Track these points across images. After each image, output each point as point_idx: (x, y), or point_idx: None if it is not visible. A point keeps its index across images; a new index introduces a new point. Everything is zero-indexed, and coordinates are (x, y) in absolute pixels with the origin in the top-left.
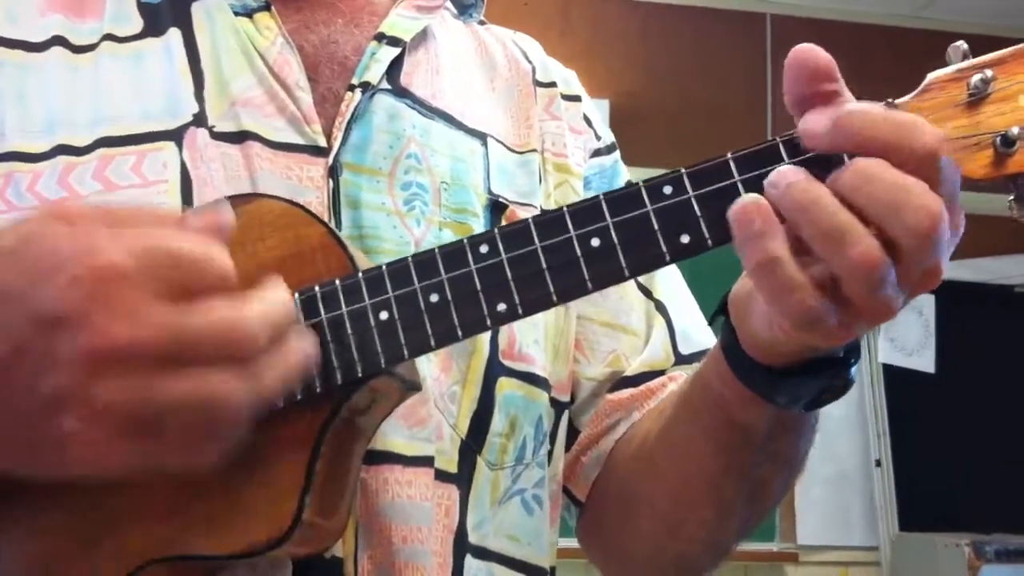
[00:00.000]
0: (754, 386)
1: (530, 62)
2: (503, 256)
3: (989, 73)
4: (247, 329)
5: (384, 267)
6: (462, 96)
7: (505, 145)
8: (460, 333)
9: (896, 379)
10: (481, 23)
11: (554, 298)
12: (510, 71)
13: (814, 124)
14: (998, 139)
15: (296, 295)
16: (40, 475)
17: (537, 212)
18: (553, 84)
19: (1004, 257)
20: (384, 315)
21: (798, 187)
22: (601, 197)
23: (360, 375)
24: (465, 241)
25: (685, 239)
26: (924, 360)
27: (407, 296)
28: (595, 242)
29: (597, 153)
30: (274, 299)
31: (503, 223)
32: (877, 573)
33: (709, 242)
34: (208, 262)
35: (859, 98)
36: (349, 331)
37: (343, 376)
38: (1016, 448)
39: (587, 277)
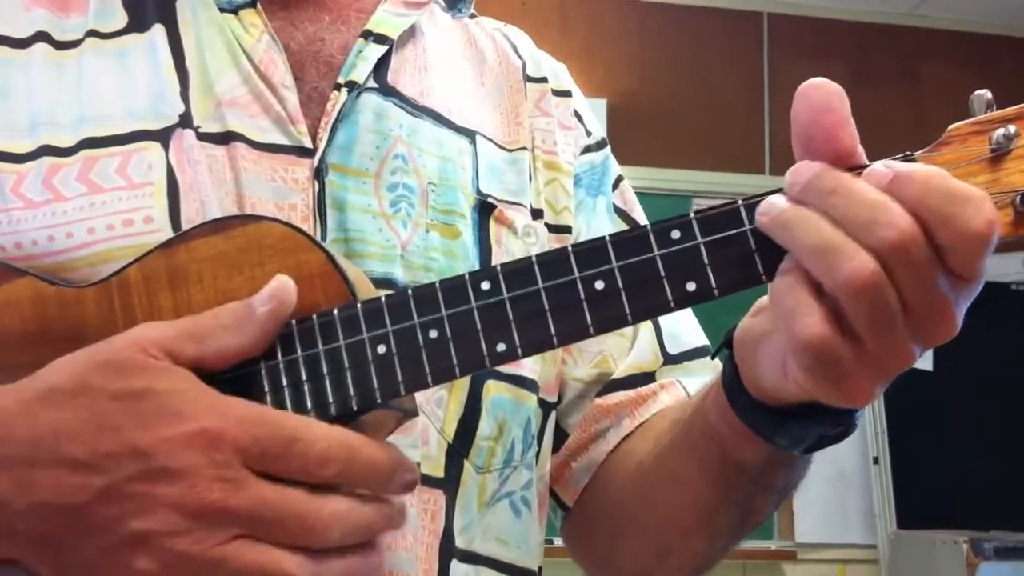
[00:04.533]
0: (754, 426)
1: (520, 57)
2: (505, 295)
3: (1012, 129)
4: (324, 525)
5: (383, 299)
6: (451, 93)
7: (495, 143)
8: (458, 371)
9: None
10: (472, 16)
11: (555, 340)
12: (500, 66)
13: (876, 172)
14: (1018, 198)
15: (293, 323)
16: None
17: (526, 211)
18: (544, 79)
19: (1000, 255)
20: (382, 349)
21: (786, 211)
22: (607, 239)
23: (355, 408)
24: (466, 277)
25: (691, 286)
26: (922, 358)
27: (406, 331)
28: (599, 285)
29: (587, 150)
30: (361, 508)
31: (491, 224)
32: (875, 571)
33: (716, 291)
34: (307, 444)
35: (855, 97)
36: (346, 364)
37: (338, 409)
38: (1014, 445)
39: (589, 321)
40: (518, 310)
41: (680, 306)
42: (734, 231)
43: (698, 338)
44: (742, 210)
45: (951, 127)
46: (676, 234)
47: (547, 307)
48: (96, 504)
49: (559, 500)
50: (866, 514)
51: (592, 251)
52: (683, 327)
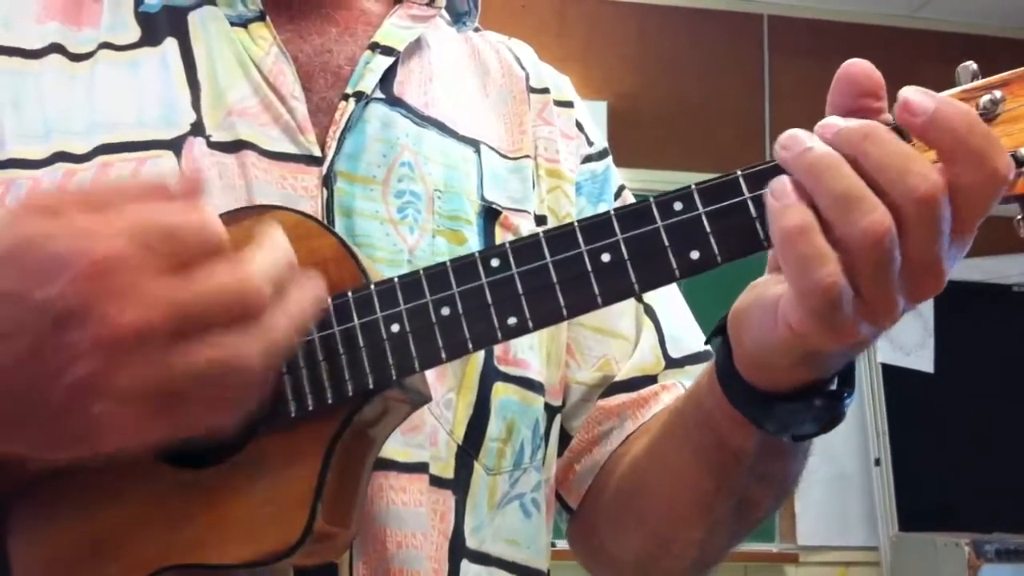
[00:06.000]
0: (745, 410)
1: (523, 68)
2: (514, 270)
3: (998, 94)
4: (251, 287)
5: (396, 280)
6: (455, 104)
7: (498, 152)
8: (471, 346)
9: (895, 379)
10: (476, 30)
11: (564, 312)
12: (503, 77)
13: (916, 102)
14: None
15: None
16: (74, 456)
17: (530, 218)
18: (546, 90)
19: (1002, 256)
20: (396, 327)
21: (815, 152)
22: (612, 212)
23: (371, 387)
24: (476, 255)
25: (695, 255)
26: (923, 359)
27: (418, 309)
28: (605, 257)
29: (588, 159)
30: (272, 249)
31: (496, 230)
32: (877, 573)
33: (719, 258)
34: (200, 228)
35: None
36: (361, 343)
37: (354, 387)
38: (1015, 447)
39: (597, 292)
40: (527, 284)
41: (685, 275)
42: (734, 200)
43: (700, 342)
44: (741, 180)
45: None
46: (678, 205)
47: (555, 280)
48: (27, 367)
49: (563, 503)
50: (868, 516)
51: (597, 225)
52: (685, 331)
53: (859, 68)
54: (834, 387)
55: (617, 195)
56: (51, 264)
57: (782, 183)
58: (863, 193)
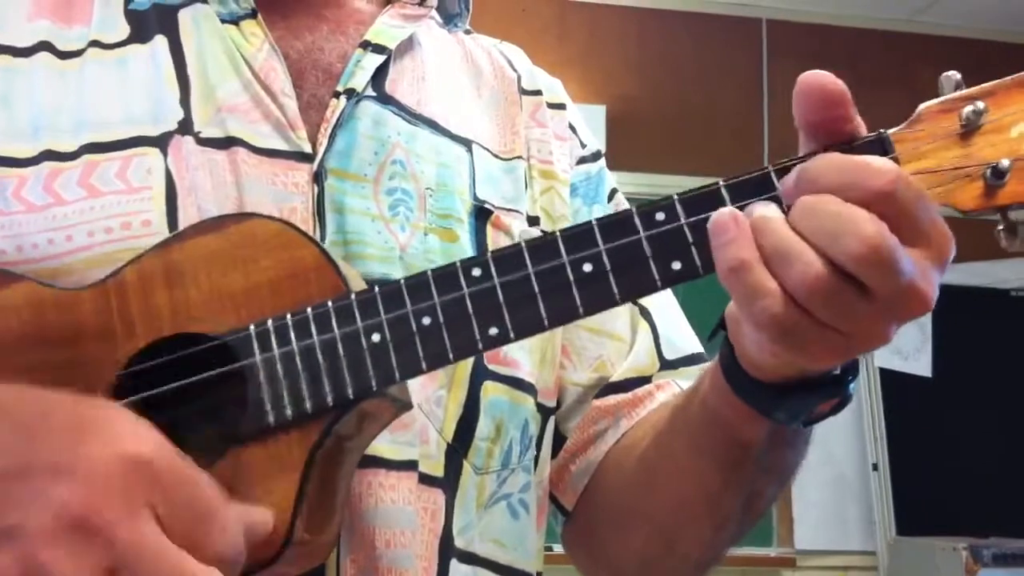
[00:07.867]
0: (753, 403)
1: (515, 70)
2: (495, 280)
3: (981, 105)
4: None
5: (377, 290)
6: (448, 103)
7: (491, 151)
8: (452, 356)
9: (893, 383)
10: (467, 32)
11: (546, 323)
12: (496, 79)
13: (787, 182)
14: (988, 171)
15: (288, 316)
16: None
17: (522, 218)
18: (539, 92)
19: (1000, 261)
20: (376, 337)
21: (750, 217)
22: (594, 223)
23: (352, 397)
24: (458, 264)
25: (676, 265)
26: (921, 364)
27: (399, 319)
28: (587, 267)
29: (582, 160)
30: (232, 546)
31: (488, 229)
32: None
33: (700, 269)
34: (221, 529)
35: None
36: (341, 353)
37: (334, 398)
38: (1013, 451)
39: (579, 302)
40: (509, 294)
41: (666, 285)
42: (716, 211)
43: (694, 344)
44: (723, 190)
45: (922, 106)
46: (660, 216)
47: (537, 291)
48: None
49: (559, 505)
50: (865, 521)
51: (579, 235)
52: (680, 333)
53: (816, 78)
54: (838, 372)
55: (610, 197)
56: (96, 432)
57: (722, 219)
58: (793, 247)
